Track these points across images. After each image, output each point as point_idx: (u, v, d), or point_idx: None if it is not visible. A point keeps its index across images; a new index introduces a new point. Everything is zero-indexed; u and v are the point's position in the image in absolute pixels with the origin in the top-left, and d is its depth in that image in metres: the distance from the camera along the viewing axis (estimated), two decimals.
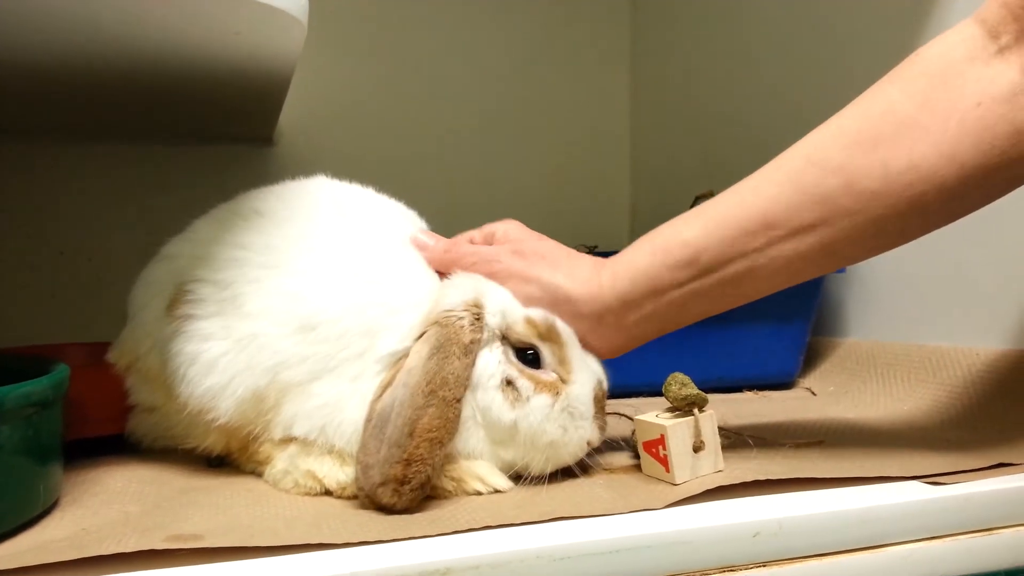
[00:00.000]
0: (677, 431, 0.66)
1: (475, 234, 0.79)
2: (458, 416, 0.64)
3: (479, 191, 1.70)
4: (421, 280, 0.71)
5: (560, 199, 1.78)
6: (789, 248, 0.66)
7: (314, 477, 0.67)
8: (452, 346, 0.64)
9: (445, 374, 0.63)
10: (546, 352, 0.69)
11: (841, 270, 1.12)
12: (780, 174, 0.67)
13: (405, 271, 0.72)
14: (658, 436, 0.67)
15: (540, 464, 0.67)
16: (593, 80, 1.82)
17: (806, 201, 0.65)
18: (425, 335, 0.65)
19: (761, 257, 0.67)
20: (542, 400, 0.67)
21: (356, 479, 0.62)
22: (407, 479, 0.60)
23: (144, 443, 0.82)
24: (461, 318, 0.66)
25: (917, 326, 1.05)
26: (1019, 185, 0.64)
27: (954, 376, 0.94)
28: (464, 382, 0.65)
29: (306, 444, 0.68)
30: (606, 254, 0.77)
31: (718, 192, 0.71)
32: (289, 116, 1.47)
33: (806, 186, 0.65)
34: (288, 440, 0.69)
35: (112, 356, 0.82)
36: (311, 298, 0.68)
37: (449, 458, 0.66)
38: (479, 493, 0.65)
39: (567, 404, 0.67)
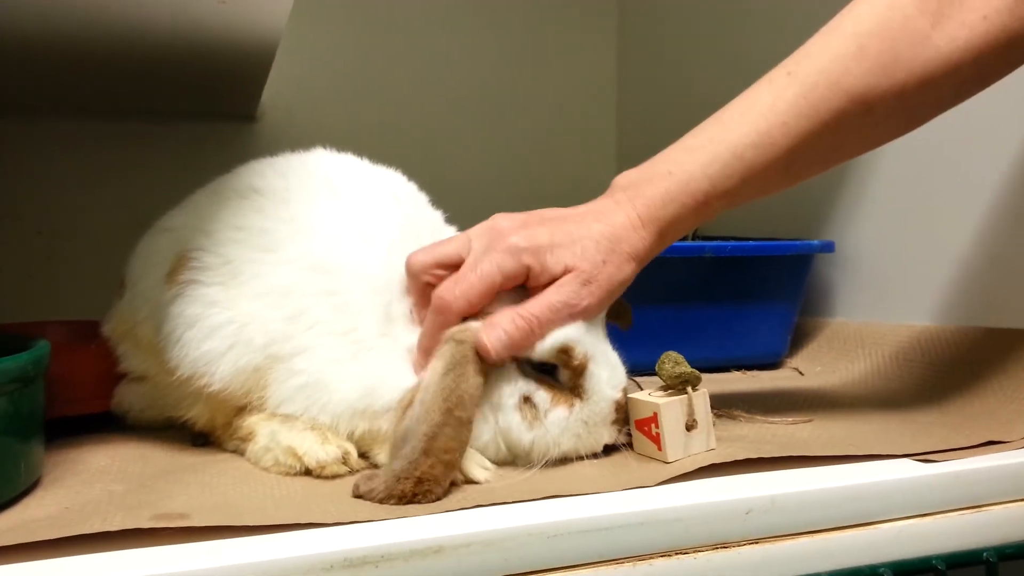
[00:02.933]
0: (670, 409, 0.66)
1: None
2: (470, 435, 0.62)
3: (464, 167, 1.68)
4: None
5: (546, 174, 1.77)
6: (814, 171, 0.72)
7: (294, 454, 0.66)
8: (468, 364, 0.62)
9: (461, 392, 0.61)
10: (565, 372, 0.67)
11: (831, 249, 1.12)
12: (807, 106, 0.67)
13: (392, 270, 0.71)
14: (651, 414, 0.66)
15: (547, 462, 0.66)
16: (580, 54, 1.80)
17: (829, 131, 0.67)
18: (440, 351, 0.63)
19: (789, 182, 0.72)
20: (559, 414, 0.65)
21: (355, 487, 0.60)
22: (414, 497, 0.57)
23: (130, 416, 0.81)
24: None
25: (904, 306, 1.06)
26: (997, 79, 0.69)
27: (942, 355, 0.94)
28: (476, 401, 0.62)
29: (290, 417, 0.68)
30: None
31: None
32: (273, 92, 1.44)
33: (832, 116, 0.67)
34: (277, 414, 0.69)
35: (106, 328, 0.81)
36: (298, 292, 0.69)
37: None
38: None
39: (584, 414, 0.66)
